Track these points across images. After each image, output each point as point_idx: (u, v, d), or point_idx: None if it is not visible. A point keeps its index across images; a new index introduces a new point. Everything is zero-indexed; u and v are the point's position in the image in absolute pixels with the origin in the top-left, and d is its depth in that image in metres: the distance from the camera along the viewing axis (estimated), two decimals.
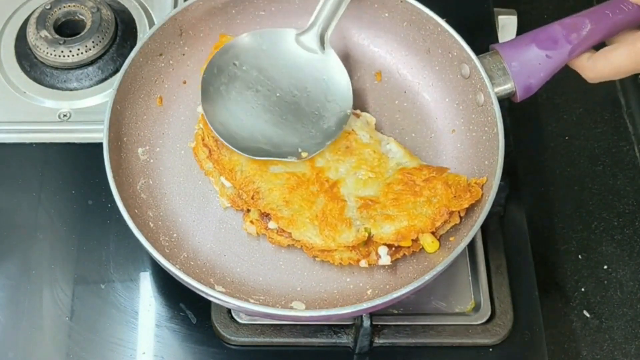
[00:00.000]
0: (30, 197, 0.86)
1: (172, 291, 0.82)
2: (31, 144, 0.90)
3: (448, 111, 0.84)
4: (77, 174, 0.89)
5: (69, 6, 0.95)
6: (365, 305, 0.68)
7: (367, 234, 0.74)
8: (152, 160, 0.81)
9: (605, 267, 0.85)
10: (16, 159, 0.89)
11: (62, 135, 0.90)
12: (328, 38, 0.79)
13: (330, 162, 0.78)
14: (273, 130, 0.77)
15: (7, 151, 0.89)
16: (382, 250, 0.75)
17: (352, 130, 0.80)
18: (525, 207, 0.85)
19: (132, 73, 0.79)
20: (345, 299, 0.75)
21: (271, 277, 0.77)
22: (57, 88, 0.93)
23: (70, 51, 0.92)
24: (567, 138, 0.92)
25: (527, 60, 0.76)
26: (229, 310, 0.79)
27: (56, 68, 0.93)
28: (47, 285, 0.81)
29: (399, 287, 0.69)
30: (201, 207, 0.80)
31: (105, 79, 0.93)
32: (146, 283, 0.82)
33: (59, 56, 0.91)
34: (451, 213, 0.74)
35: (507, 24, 0.95)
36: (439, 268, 0.69)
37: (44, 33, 0.92)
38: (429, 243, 0.75)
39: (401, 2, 0.76)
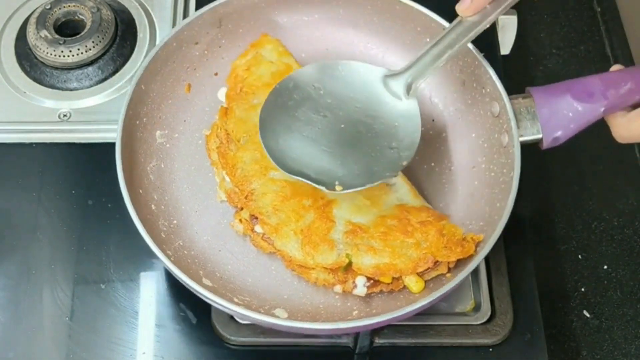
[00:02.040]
0: (31, 197, 0.86)
1: (173, 291, 0.82)
2: (31, 144, 0.90)
3: (472, 146, 0.82)
4: (77, 174, 0.89)
5: (69, 6, 0.95)
6: (347, 325, 0.67)
7: (347, 260, 0.73)
8: (168, 145, 0.82)
9: (605, 267, 0.85)
10: (16, 159, 0.89)
11: (62, 135, 0.90)
12: (417, 88, 0.75)
13: None
14: (322, 158, 0.74)
15: (7, 151, 0.89)
16: (360, 281, 0.74)
17: None
18: (526, 207, 0.85)
19: (164, 56, 0.80)
20: (329, 315, 0.74)
21: (260, 281, 0.77)
22: (57, 88, 0.93)
23: (70, 51, 0.92)
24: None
25: (559, 109, 0.73)
26: None
27: (56, 68, 0.93)
28: (47, 285, 0.81)
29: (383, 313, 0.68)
30: (206, 199, 0.81)
31: (105, 79, 0.93)
32: (146, 283, 0.82)
33: (59, 56, 0.91)
34: (436, 262, 0.73)
35: (507, 24, 0.95)
36: (416, 305, 0.68)
37: (44, 33, 0.92)
38: (413, 282, 0.73)
39: (443, 29, 0.75)
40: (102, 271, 0.82)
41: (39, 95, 0.92)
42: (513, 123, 0.75)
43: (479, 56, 0.79)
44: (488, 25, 0.72)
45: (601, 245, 0.87)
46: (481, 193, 0.79)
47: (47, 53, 0.91)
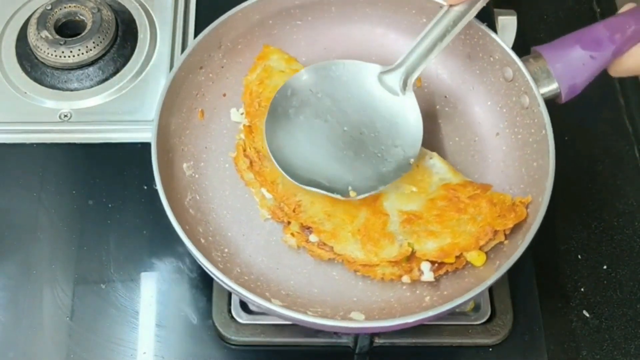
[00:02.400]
0: (31, 197, 0.86)
1: (173, 291, 0.82)
2: (32, 144, 0.90)
3: (491, 114, 0.83)
4: (78, 174, 0.89)
5: (70, 7, 0.95)
6: (429, 314, 0.67)
7: (410, 249, 0.73)
8: (197, 175, 0.80)
9: (605, 267, 0.85)
10: (17, 159, 0.89)
11: (62, 135, 0.90)
12: (412, 82, 0.76)
13: None
14: (330, 164, 0.75)
15: (7, 151, 0.89)
16: (425, 267, 0.74)
17: None
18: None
19: (175, 87, 0.78)
20: (403, 307, 0.74)
21: (326, 289, 0.75)
22: (58, 88, 0.93)
23: (71, 51, 0.92)
24: (567, 138, 0.92)
25: (571, 61, 0.75)
26: (229, 310, 0.79)
27: (57, 68, 0.93)
28: (48, 285, 0.81)
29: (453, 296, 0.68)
30: (249, 221, 0.79)
31: (106, 79, 0.93)
32: (147, 283, 0.82)
33: (60, 56, 0.92)
34: (495, 232, 0.73)
35: (506, 24, 0.95)
36: (488, 283, 0.68)
37: (44, 33, 0.92)
38: (475, 257, 0.73)
39: (440, 7, 0.75)
40: (103, 271, 0.82)
41: (40, 95, 0.92)
42: (532, 83, 0.75)
43: (482, 26, 0.79)
44: (476, 13, 0.73)
45: (601, 245, 0.87)
46: (512, 157, 0.80)
47: (48, 53, 0.92)
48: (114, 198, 0.87)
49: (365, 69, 0.77)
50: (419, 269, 0.74)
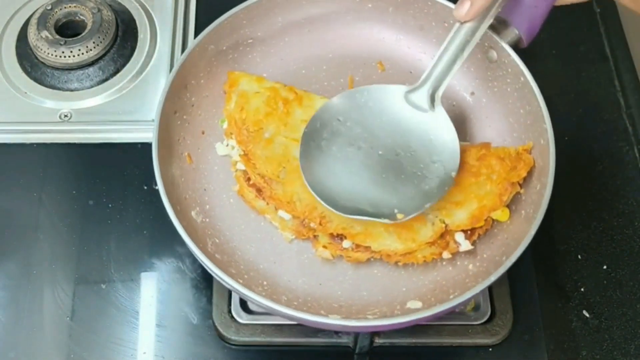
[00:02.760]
0: (31, 197, 0.86)
1: (173, 291, 0.82)
2: (32, 144, 0.90)
3: (461, 77, 0.84)
4: (78, 174, 0.89)
5: (70, 7, 0.95)
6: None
7: (443, 225, 0.74)
8: (207, 220, 0.78)
9: (605, 267, 0.85)
10: (17, 159, 0.89)
11: (62, 135, 0.91)
12: (439, 96, 0.75)
13: None
14: (371, 189, 0.74)
15: (8, 151, 0.89)
16: (460, 237, 0.75)
17: None
18: None
19: (162, 138, 0.75)
20: (454, 284, 0.75)
21: (374, 289, 0.76)
22: (58, 88, 0.93)
23: (71, 52, 0.92)
24: (566, 138, 0.92)
25: (523, 7, 0.76)
26: (229, 310, 0.79)
27: (57, 68, 0.93)
28: (48, 285, 0.81)
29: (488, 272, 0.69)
30: (274, 247, 0.78)
31: (106, 79, 0.93)
32: (147, 283, 0.82)
33: (60, 57, 0.92)
34: (512, 184, 0.75)
35: None
36: (526, 242, 0.70)
37: (44, 33, 0.92)
38: (499, 214, 0.75)
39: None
40: (103, 271, 0.82)
41: (40, 95, 0.92)
42: (495, 36, 0.77)
43: None
44: (492, 20, 0.73)
45: (601, 245, 0.87)
46: (494, 111, 0.82)
47: (48, 53, 0.92)
48: (114, 198, 0.87)
49: (390, 92, 0.77)
50: (455, 242, 0.75)
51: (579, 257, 0.86)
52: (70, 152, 0.90)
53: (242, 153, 0.80)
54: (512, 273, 0.71)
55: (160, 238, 0.84)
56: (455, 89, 0.85)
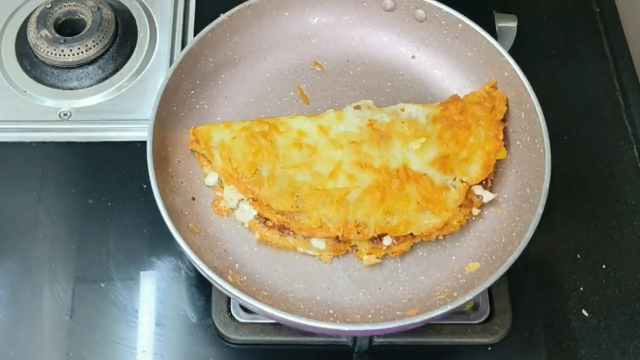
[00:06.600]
0: (31, 196, 0.86)
1: (172, 290, 0.82)
2: (31, 143, 0.90)
3: (397, 45, 0.88)
4: (78, 172, 0.89)
5: (70, 5, 0.95)
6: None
7: (466, 184, 0.77)
8: (245, 278, 0.76)
9: (604, 266, 0.85)
10: (16, 158, 0.89)
11: (62, 134, 0.91)
12: None
13: (383, 156, 0.78)
14: None
15: (7, 150, 0.89)
16: (479, 191, 0.79)
17: (369, 120, 0.81)
18: None
19: (170, 210, 0.74)
20: (492, 233, 0.78)
21: (430, 270, 0.77)
22: (58, 87, 0.93)
23: (71, 50, 0.92)
24: (566, 138, 0.92)
25: None
26: (228, 309, 0.79)
27: (56, 67, 0.93)
28: (48, 283, 0.81)
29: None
30: (306, 275, 0.77)
31: (106, 78, 0.93)
32: (146, 282, 0.82)
33: (60, 55, 0.92)
34: (499, 122, 0.80)
35: (506, 32, 0.96)
36: (547, 177, 0.73)
37: (44, 32, 0.92)
38: (501, 153, 0.80)
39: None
40: (102, 270, 0.82)
41: (40, 94, 0.92)
42: None
43: None
44: None
45: (600, 245, 0.87)
46: (441, 63, 0.86)
47: (48, 52, 0.92)
48: (114, 197, 0.87)
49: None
50: (477, 196, 0.79)
51: (578, 256, 0.86)
52: (69, 150, 0.90)
53: (250, 201, 0.78)
54: (511, 272, 0.71)
55: (160, 237, 0.84)
56: (396, 58, 0.87)
